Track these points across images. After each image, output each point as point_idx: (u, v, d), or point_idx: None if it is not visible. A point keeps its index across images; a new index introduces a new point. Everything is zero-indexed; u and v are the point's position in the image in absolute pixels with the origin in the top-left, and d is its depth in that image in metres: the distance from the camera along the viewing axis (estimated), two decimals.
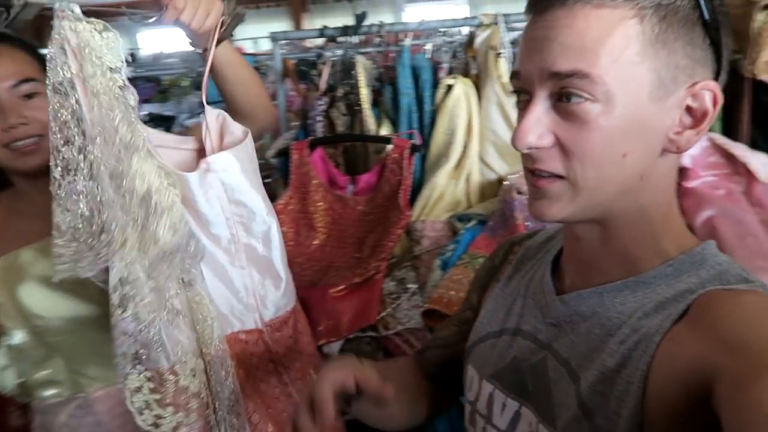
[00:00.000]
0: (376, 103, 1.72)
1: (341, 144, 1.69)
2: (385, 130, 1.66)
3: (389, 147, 1.51)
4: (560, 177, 0.57)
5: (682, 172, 1.51)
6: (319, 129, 1.68)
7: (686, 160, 1.49)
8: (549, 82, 0.55)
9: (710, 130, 1.57)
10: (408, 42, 1.65)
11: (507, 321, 0.72)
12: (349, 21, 1.71)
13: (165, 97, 2.48)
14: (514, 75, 0.60)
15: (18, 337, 1.05)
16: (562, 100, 0.55)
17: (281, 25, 8.03)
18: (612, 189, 0.57)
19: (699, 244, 0.61)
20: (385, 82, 1.71)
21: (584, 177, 0.56)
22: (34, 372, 1.07)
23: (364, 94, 1.63)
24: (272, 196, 2.17)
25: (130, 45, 7.63)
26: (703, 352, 0.49)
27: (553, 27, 0.54)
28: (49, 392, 1.08)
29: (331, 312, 1.36)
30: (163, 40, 8.18)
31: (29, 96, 1.01)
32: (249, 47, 6.85)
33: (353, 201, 1.57)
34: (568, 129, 0.55)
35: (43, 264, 1.03)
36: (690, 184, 1.52)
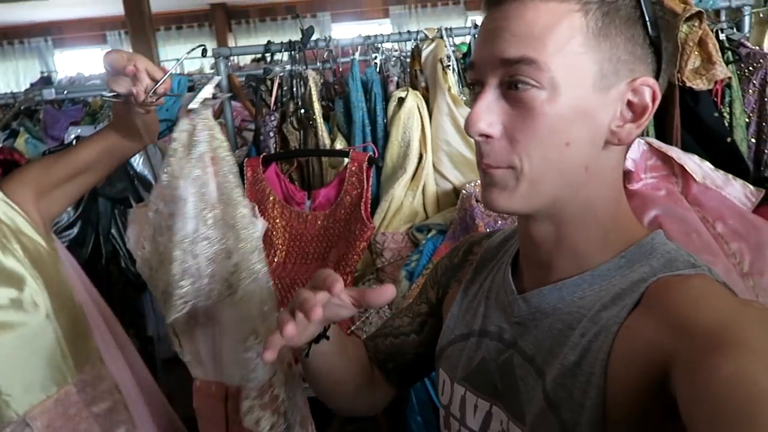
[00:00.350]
0: (326, 118, 1.71)
1: (295, 159, 1.67)
2: (338, 145, 1.65)
3: (346, 160, 1.51)
4: (503, 167, 0.59)
5: (626, 175, 1.59)
6: (272, 145, 1.65)
7: (628, 163, 1.58)
8: (500, 69, 0.58)
9: (645, 134, 1.68)
10: (357, 56, 1.65)
11: (473, 323, 0.74)
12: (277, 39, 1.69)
13: (95, 119, 2.35)
14: (470, 66, 0.62)
15: None
16: (510, 88, 0.57)
17: (206, 44, 7.88)
18: (556, 178, 0.59)
19: (648, 234, 0.63)
20: (335, 96, 1.71)
21: (529, 165, 0.58)
22: None
23: (317, 108, 1.62)
24: None
25: (46, 68, 7.24)
26: (657, 338, 0.51)
27: (506, 18, 0.57)
28: None
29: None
30: (79, 62, 7.83)
31: None
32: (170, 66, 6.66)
33: (312, 216, 1.54)
34: (515, 117, 0.58)
35: None
36: (634, 186, 1.60)
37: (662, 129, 1.74)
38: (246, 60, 4.32)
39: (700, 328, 0.48)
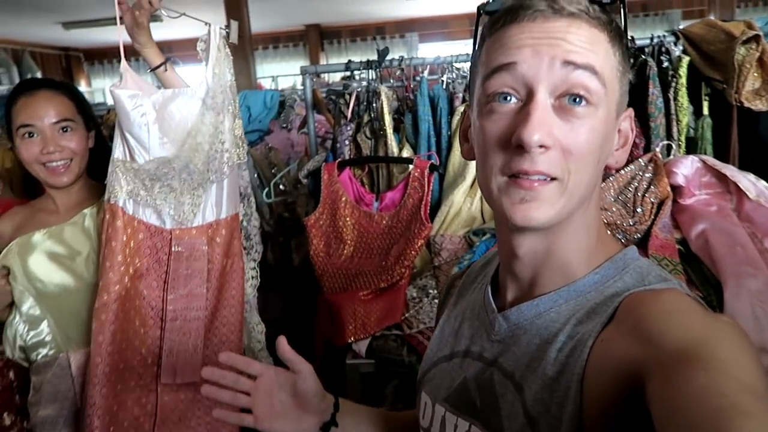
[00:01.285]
0: (397, 129, 1.90)
1: (367, 165, 1.87)
2: (405, 153, 1.83)
3: (411, 167, 1.68)
4: (553, 179, 0.58)
5: (678, 191, 1.66)
6: (347, 152, 1.85)
7: (680, 179, 1.64)
8: (560, 72, 0.56)
9: (703, 152, 1.73)
10: (426, 74, 1.83)
11: (456, 344, 0.73)
12: (365, 58, 1.90)
13: None
14: (504, 69, 0.58)
15: (27, 304, 1.37)
16: (563, 100, 0.57)
17: (298, 62, 8.38)
18: (583, 192, 0.60)
19: (621, 250, 0.65)
20: (405, 110, 1.89)
21: (575, 179, 0.58)
22: (30, 335, 1.39)
23: (387, 120, 1.81)
24: (297, 215, 2.33)
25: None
26: (630, 351, 0.51)
27: (557, 31, 0.57)
28: (42, 352, 1.39)
29: (360, 313, 1.50)
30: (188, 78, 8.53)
31: (64, 130, 1.39)
32: (267, 84, 7.17)
33: (379, 216, 1.73)
34: (568, 130, 0.57)
35: (48, 243, 1.40)
36: (685, 201, 1.67)
37: (721, 148, 1.79)
38: (336, 78, 4.64)
39: (671, 341, 0.49)
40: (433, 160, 1.72)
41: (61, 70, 8.82)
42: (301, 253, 2.01)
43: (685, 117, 1.75)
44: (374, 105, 1.84)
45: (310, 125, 1.98)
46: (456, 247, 1.74)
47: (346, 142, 1.84)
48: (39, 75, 7.72)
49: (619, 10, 0.63)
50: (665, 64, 1.78)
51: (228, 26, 1.47)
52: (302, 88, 2.04)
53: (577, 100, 0.57)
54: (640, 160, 1.70)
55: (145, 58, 1.43)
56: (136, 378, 1.37)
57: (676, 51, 1.80)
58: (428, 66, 1.84)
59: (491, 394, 0.64)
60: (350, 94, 1.86)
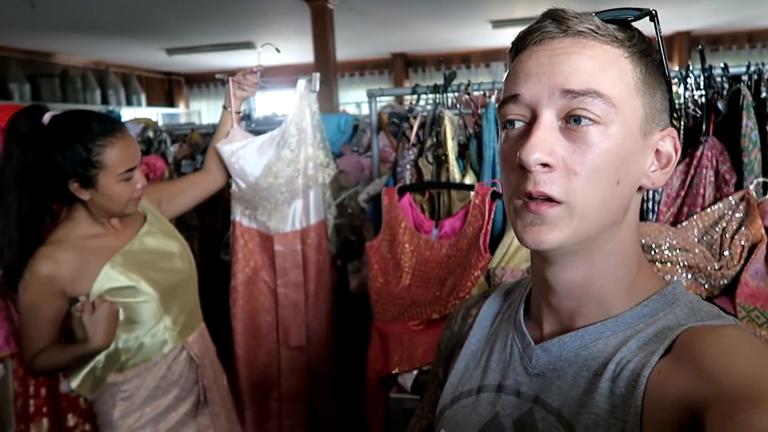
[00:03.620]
0: (462, 156, 1.83)
1: (428, 191, 1.81)
2: (468, 180, 1.75)
3: (472, 193, 1.60)
4: (557, 203, 0.57)
5: None
6: (408, 177, 1.80)
7: None
8: (560, 100, 0.57)
9: None
10: (493, 100, 1.75)
11: (485, 378, 0.71)
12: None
13: None
14: (511, 99, 0.60)
15: (148, 311, 1.46)
16: (569, 122, 0.57)
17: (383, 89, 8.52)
18: (604, 217, 0.59)
19: (668, 285, 0.63)
20: (471, 136, 1.82)
21: (584, 201, 0.57)
22: (149, 340, 1.49)
23: (450, 145, 1.75)
24: (363, 238, 2.32)
25: (247, 106, 8.39)
26: (690, 386, 0.50)
27: (560, 53, 0.57)
28: (166, 348, 1.51)
29: (407, 343, 1.43)
30: (275, 102, 8.90)
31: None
32: (352, 109, 7.32)
33: (438, 244, 1.66)
34: (574, 150, 0.57)
35: (144, 256, 1.49)
36: None
37: None
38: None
39: (734, 377, 0.48)
40: (496, 188, 1.63)
41: (163, 93, 9.45)
42: (357, 278, 1.97)
43: None
44: (438, 130, 1.78)
45: (374, 148, 1.95)
46: None
47: (408, 167, 1.79)
48: (143, 97, 8.30)
49: (654, 24, 0.61)
50: (764, 94, 1.61)
51: (311, 79, 1.85)
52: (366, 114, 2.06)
53: (582, 120, 0.57)
54: (730, 198, 1.53)
55: (235, 105, 1.84)
56: (264, 337, 2.00)
57: None
58: (496, 92, 1.76)
59: (532, 431, 0.62)
60: (414, 118, 1.81)
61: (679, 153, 0.62)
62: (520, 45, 0.62)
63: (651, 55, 0.60)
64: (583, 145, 0.57)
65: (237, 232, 1.97)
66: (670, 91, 0.62)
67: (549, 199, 0.57)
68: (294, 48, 6.94)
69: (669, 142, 0.62)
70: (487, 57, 8.57)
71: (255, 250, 1.98)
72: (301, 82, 1.85)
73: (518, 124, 0.60)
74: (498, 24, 6.51)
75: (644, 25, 0.63)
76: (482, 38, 7.49)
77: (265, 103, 9.01)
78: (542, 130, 0.57)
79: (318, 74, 1.85)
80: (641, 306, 0.61)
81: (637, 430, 0.53)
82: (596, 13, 0.60)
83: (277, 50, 1.97)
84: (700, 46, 1.74)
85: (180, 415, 1.54)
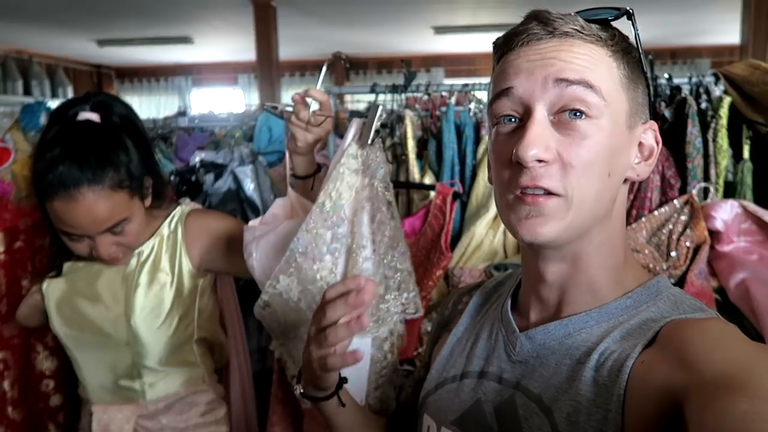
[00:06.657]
0: (420, 156, 1.83)
1: None
2: (428, 180, 1.76)
3: (433, 193, 1.61)
4: (555, 195, 0.59)
5: (715, 236, 1.56)
6: None
7: (718, 224, 1.55)
8: (553, 90, 0.59)
9: (742, 197, 1.64)
10: (453, 101, 1.77)
11: (469, 365, 0.72)
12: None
13: (218, 146, 2.64)
14: (503, 94, 0.61)
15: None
16: (562, 115, 0.59)
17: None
18: (598, 208, 0.61)
19: (653, 278, 0.65)
20: (429, 137, 1.83)
21: (580, 193, 0.59)
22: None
23: (410, 145, 1.75)
24: None
25: (183, 103, 8.12)
26: (672, 375, 0.52)
27: (555, 50, 0.60)
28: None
29: None
30: (211, 100, 8.66)
31: (115, 232, 1.20)
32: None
33: None
34: (569, 144, 0.58)
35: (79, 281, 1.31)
36: (724, 248, 1.57)
37: (762, 194, 1.69)
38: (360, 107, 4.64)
39: (715, 367, 0.49)
40: (456, 188, 1.64)
41: (92, 86, 8.98)
42: None
43: (725, 160, 1.66)
44: (398, 130, 1.77)
45: (330, 147, 1.92)
46: (475, 281, 1.64)
47: None
48: (70, 89, 7.85)
49: (632, 23, 0.64)
50: (704, 105, 1.70)
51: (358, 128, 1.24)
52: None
53: (576, 114, 0.58)
54: (675, 201, 1.61)
55: (294, 162, 1.27)
56: None
57: (717, 91, 1.72)
58: (455, 94, 1.77)
59: (512, 417, 0.63)
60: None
61: (660, 145, 0.65)
62: (507, 47, 0.64)
63: (631, 53, 0.63)
64: (577, 138, 0.59)
65: None
66: (648, 86, 0.66)
67: (546, 192, 0.59)
68: (235, 45, 6.78)
69: (650, 135, 0.65)
70: (428, 62, 8.68)
71: None
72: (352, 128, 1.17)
73: (512, 120, 0.62)
74: (440, 30, 6.62)
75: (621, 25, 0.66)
76: (424, 43, 7.59)
77: (201, 100, 8.75)
78: (537, 125, 0.58)
79: (364, 120, 1.16)
80: (626, 297, 0.63)
81: (619, 419, 0.54)
82: (576, 13, 0.63)
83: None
84: (650, 56, 1.82)
85: None
